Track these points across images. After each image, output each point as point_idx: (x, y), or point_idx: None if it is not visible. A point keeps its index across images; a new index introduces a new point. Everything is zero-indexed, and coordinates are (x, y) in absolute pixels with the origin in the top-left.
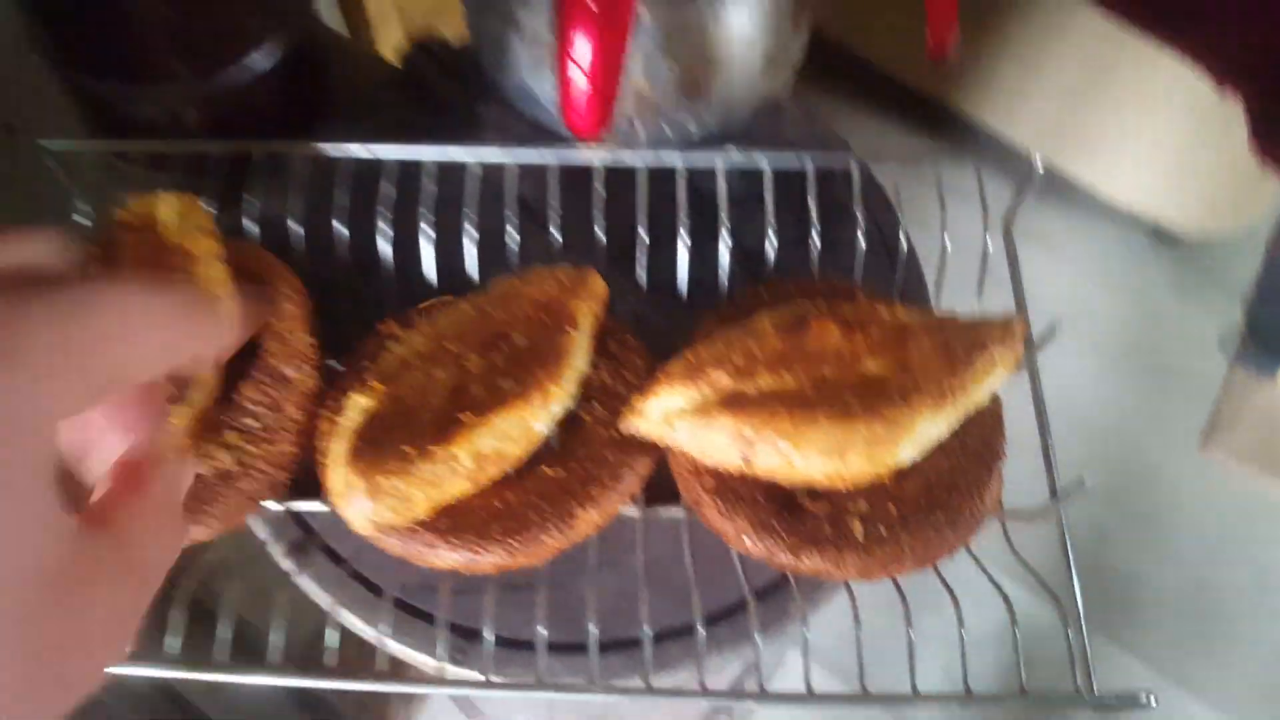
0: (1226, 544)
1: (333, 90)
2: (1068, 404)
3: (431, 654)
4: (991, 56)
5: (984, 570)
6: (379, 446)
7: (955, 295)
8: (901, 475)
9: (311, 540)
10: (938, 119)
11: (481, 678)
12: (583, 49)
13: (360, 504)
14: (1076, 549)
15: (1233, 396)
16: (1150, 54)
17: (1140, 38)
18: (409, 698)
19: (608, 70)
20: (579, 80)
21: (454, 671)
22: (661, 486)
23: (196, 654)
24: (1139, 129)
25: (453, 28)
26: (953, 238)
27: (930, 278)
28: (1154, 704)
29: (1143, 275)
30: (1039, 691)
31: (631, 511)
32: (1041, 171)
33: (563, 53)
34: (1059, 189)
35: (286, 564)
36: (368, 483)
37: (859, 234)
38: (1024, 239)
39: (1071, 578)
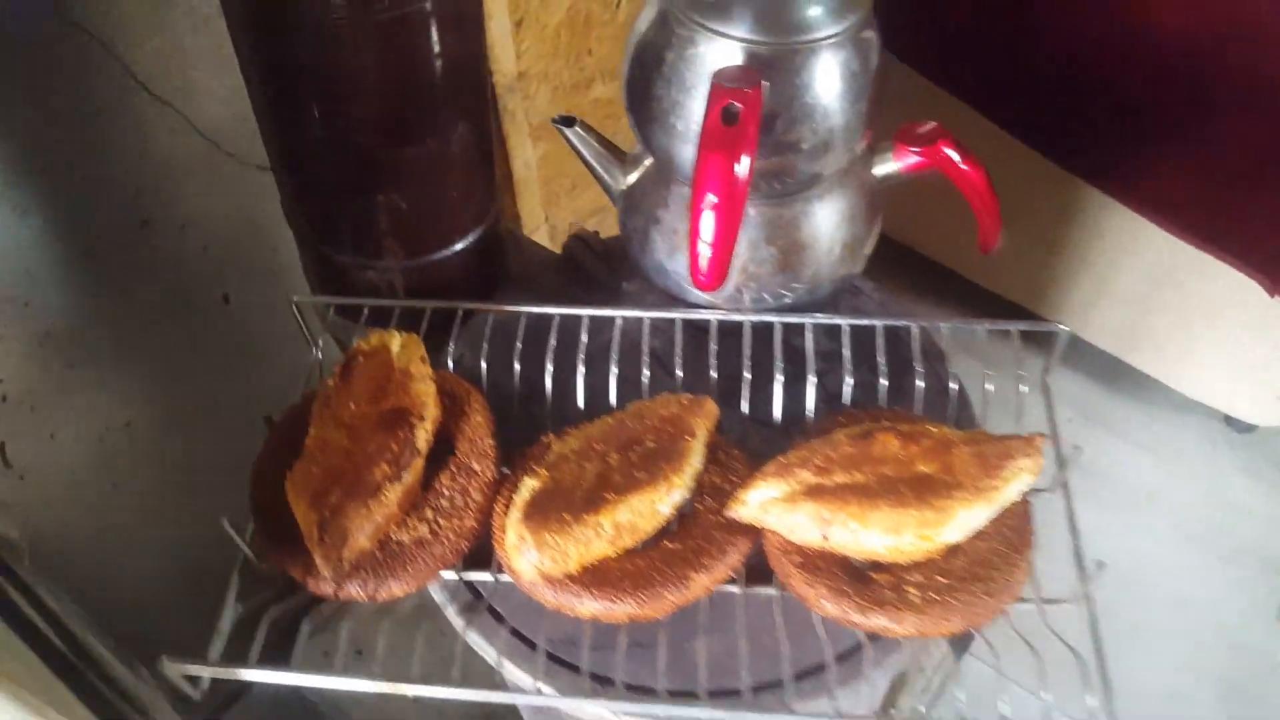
0: None
1: (506, 269)
2: (1150, 576)
3: (578, 694)
4: (1068, 270)
5: (1016, 631)
6: (544, 514)
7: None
8: (949, 554)
9: (479, 603)
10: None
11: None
12: (707, 227)
13: (529, 555)
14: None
15: None
16: (1209, 263)
17: (1198, 249)
18: None
19: (724, 242)
20: (704, 250)
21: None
22: (758, 573)
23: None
24: (1204, 329)
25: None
26: (1000, 390)
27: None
28: None
29: (1218, 461)
30: None
31: (734, 589)
32: (1068, 336)
33: (694, 231)
34: (1136, 383)
35: (458, 621)
36: (535, 538)
37: (917, 380)
38: (1101, 429)
39: (1099, 643)
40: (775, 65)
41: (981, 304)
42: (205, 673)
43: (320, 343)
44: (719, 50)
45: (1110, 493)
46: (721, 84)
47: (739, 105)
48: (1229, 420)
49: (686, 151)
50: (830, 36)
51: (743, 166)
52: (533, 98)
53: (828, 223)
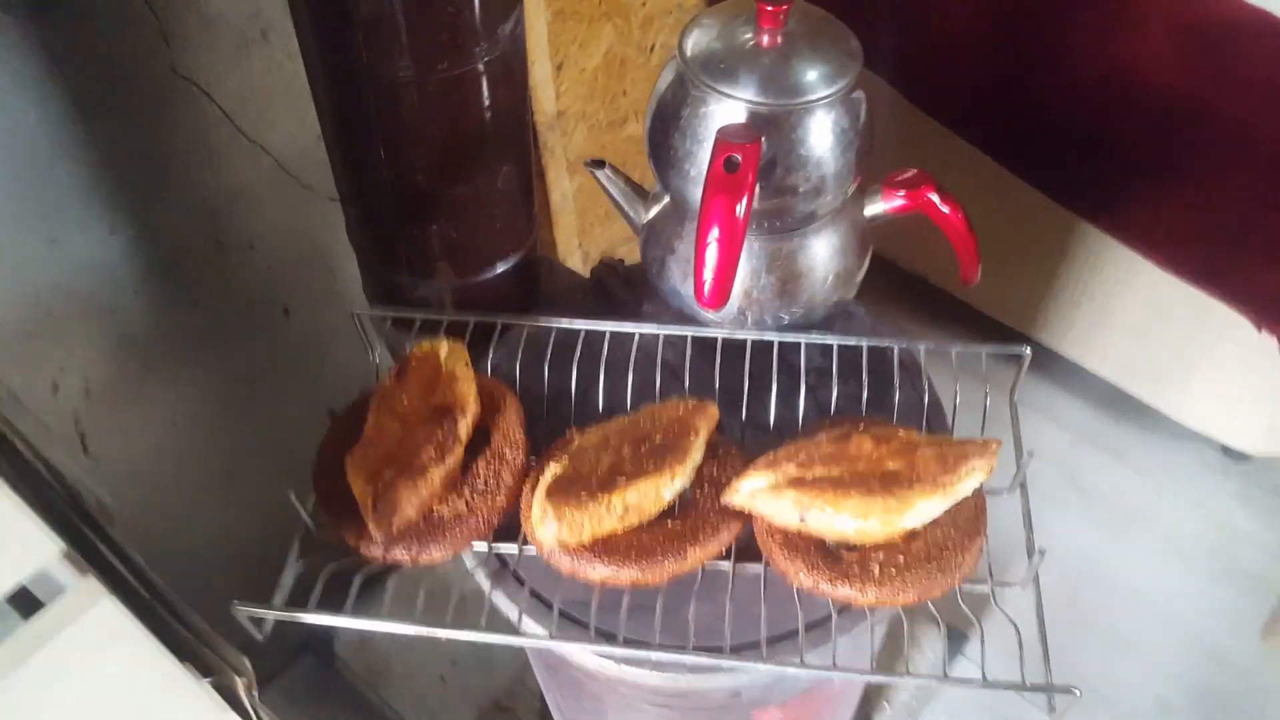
0: None
1: (540, 290)
2: (1142, 590)
3: (584, 642)
4: (1071, 301)
5: (962, 605)
6: (565, 493)
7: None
8: (909, 538)
9: (505, 570)
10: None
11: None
12: (710, 258)
13: (550, 526)
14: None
15: None
16: (1202, 299)
17: (1192, 286)
18: None
19: (725, 271)
20: (708, 277)
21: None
22: (746, 553)
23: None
24: (1199, 362)
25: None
26: (977, 403)
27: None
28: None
29: (1214, 486)
30: (995, 680)
31: (725, 565)
32: (1029, 357)
33: (699, 261)
34: (1138, 411)
35: (486, 584)
36: (556, 512)
37: (895, 392)
38: (1102, 453)
39: (1043, 621)
40: (774, 122)
41: (990, 330)
42: (270, 615)
43: (378, 349)
44: (726, 109)
45: (1108, 513)
46: (725, 139)
47: (739, 157)
48: (1226, 450)
49: (697, 193)
50: (822, 98)
51: (741, 208)
52: (570, 135)
53: (821, 255)
